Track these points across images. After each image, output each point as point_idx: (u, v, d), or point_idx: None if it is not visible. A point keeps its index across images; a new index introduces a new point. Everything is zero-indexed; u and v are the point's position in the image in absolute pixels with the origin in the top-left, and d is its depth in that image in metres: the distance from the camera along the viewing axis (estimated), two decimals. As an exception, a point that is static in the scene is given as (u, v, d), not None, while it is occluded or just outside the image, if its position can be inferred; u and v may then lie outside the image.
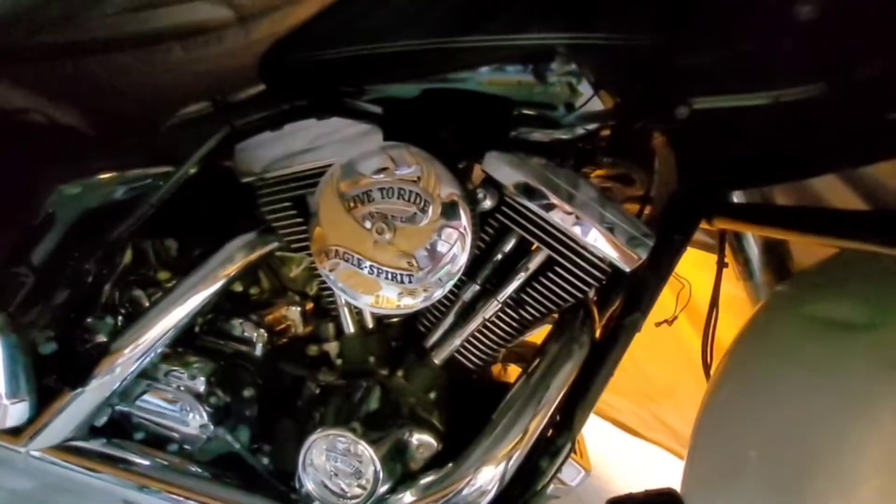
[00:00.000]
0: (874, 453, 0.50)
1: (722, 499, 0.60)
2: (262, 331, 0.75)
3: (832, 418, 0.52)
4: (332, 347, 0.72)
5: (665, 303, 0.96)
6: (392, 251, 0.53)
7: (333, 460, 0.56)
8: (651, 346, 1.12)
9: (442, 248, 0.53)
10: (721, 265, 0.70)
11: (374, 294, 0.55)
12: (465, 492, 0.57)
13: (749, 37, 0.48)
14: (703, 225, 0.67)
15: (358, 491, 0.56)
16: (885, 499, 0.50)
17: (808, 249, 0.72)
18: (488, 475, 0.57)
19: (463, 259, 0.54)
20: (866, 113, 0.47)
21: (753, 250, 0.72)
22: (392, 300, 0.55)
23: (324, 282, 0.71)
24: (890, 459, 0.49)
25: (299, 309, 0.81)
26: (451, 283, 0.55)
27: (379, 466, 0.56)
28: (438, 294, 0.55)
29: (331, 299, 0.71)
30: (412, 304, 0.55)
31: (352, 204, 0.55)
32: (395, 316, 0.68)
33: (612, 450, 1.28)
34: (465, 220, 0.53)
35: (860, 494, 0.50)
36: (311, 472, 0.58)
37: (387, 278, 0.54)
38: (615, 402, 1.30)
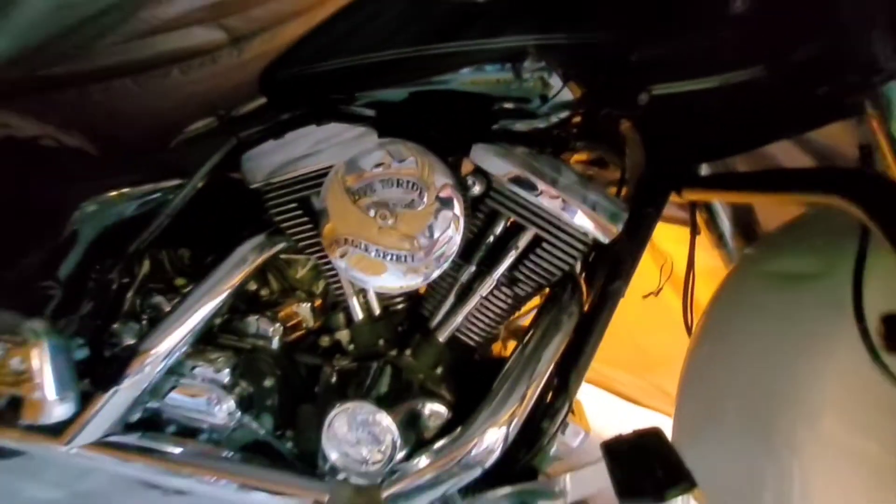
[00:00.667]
0: (831, 384, 0.56)
1: (706, 444, 0.67)
2: (277, 325, 0.81)
3: (794, 359, 0.59)
4: (344, 335, 0.78)
5: (652, 277, 1.03)
6: (395, 235, 0.60)
7: (355, 430, 0.62)
8: (644, 319, 1.19)
9: (439, 229, 0.59)
10: (694, 233, 0.77)
11: (381, 275, 0.61)
12: (473, 452, 0.63)
13: (694, 31, 0.55)
14: (676, 199, 0.74)
15: (378, 457, 0.62)
16: (844, 423, 0.56)
17: (773, 215, 0.79)
18: (493, 437, 0.63)
19: (458, 239, 0.60)
20: (799, 90, 0.54)
21: (724, 221, 0.80)
22: (397, 279, 0.61)
23: (331, 277, 0.77)
24: (845, 388, 0.56)
25: (309, 305, 0.87)
26: (448, 262, 0.61)
27: (396, 434, 0.62)
28: (437, 273, 0.61)
29: (339, 291, 0.76)
30: (415, 282, 0.61)
31: (357, 196, 0.61)
32: (399, 296, 0.73)
33: (616, 419, 1.34)
34: (457, 204, 0.60)
35: (822, 422, 0.56)
36: (335, 443, 0.64)
37: (391, 259, 0.60)
38: (616, 374, 1.37)
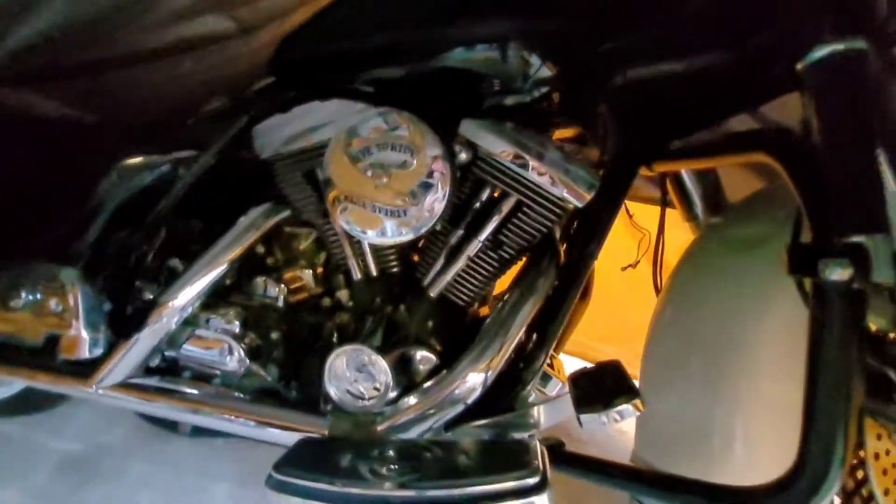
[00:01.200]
0: (771, 339, 0.64)
1: (669, 394, 0.74)
2: (282, 286, 0.89)
3: (741, 316, 0.66)
4: (344, 294, 0.86)
5: (632, 253, 1.11)
6: (389, 192, 0.67)
7: (353, 369, 0.70)
8: (627, 292, 1.26)
9: (428, 188, 0.67)
10: (664, 203, 0.84)
11: (377, 228, 0.69)
12: (457, 392, 0.70)
13: (658, 22, 0.62)
14: (647, 172, 0.80)
15: (374, 393, 0.70)
16: (783, 375, 0.63)
17: (739, 190, 0.86)
18: (475, 380, 0.70)
19: (444, 199, 0.67)
20: (749, 73, 0.61)
21: (694, 196, 0.87)
22: (391, 231, 0.69)
23: (332, 242, 0.84)
24: (784, 341, 0.63)
25: (311, 271, 0.95)
26: (436, 219, 0.68)
27: (389, 375, 0.70)
28: (426, 228, 0.68)
29: (340, 254, 0.84)
30: (407, 236, 0.69)
31: (356, 159, 0.69)
32: (394, 255, 0.81)
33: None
34: (445, 167, 0.67)
35: (762, 375, 0.64)
36: (335, 382, 0.72)
37: (386, 214, 0.68)
38: (601, 347, 1.45)
